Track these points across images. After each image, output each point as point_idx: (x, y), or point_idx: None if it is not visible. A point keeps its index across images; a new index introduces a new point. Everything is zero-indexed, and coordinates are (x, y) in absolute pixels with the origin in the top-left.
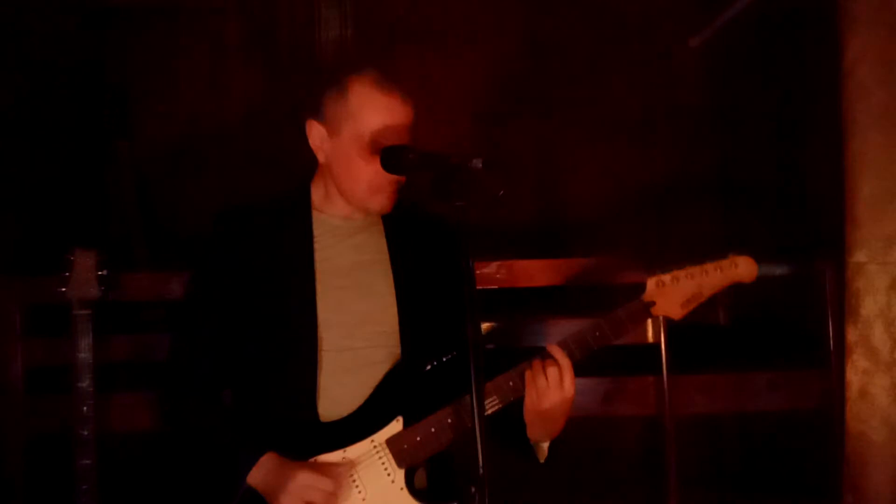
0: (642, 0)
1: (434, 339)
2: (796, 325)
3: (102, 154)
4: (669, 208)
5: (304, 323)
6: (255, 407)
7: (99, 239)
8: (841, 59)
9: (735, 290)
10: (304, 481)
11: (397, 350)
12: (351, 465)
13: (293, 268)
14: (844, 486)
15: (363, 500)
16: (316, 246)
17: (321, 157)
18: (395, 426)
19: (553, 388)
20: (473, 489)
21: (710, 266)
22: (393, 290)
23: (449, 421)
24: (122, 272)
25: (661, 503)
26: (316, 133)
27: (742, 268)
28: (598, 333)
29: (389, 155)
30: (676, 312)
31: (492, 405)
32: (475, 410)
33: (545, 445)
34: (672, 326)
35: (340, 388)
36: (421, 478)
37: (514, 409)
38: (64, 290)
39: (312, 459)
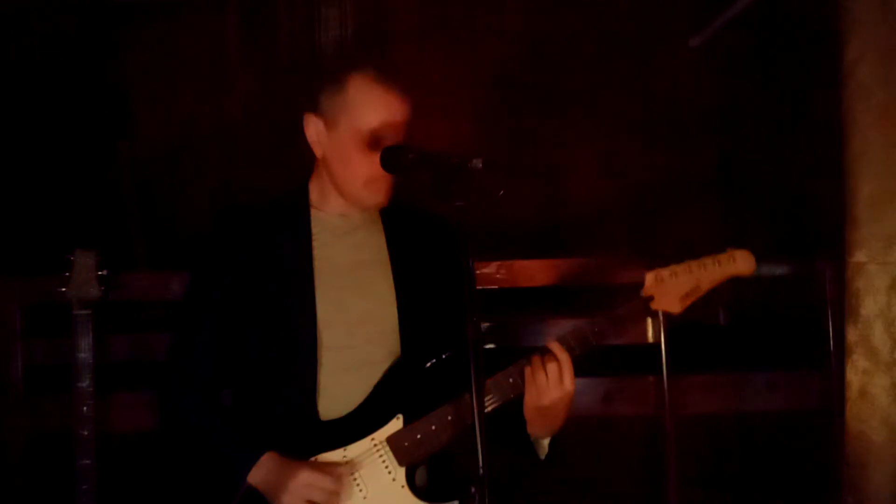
0: (642, 0)
1: (434, 337)
2: (796, 325)
3: (102, 154)
4: (669, 208)
5: (303, 322)
6: (255, 406)
7: (99, 239)
8: (841, 59)
9: (735, 291)
10: (305, 480)
11: (397, 348)
12: (352, 463)
13: (292, 267)
14: (844, 487)
15: (364, 498)
16: (315, 244)
17: (318, 152)
18: (396, 424)
19: (553, 385)
20: (473, 489)
21: (708, 260)
22: (393, 289)
23: (449, 418)
24: (122, 272)
25: (661, 503)
26: (313, 127)
27: (740, 262)
28: (597, 329)
29: (389, 155)
30: (675, 307)
31: (491, 402)
32: (475, 410)
33: (545, 442)
34: (672, 326)
35: (340, 387)
36: (422, 475)
37: (514, 405)
38: (64, 290)
39: (313, 458)
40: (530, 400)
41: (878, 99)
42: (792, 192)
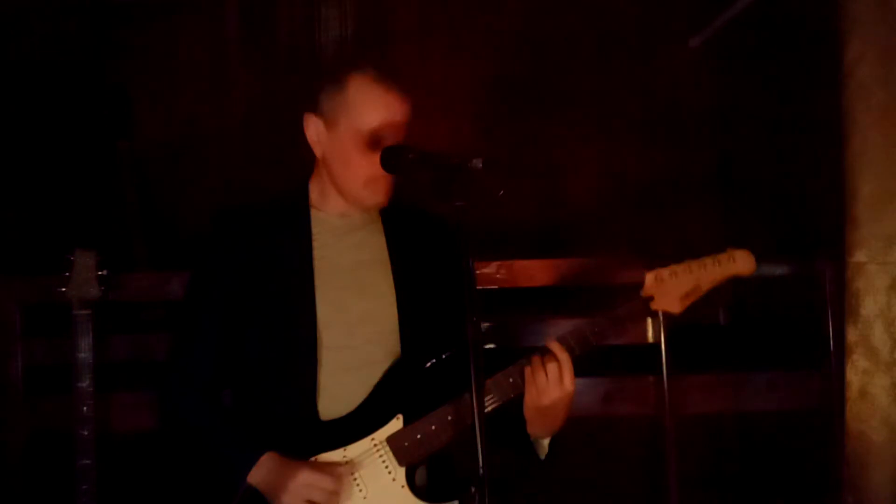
0: (642, 0)
1: (434, 337)
2: (796, 325)
3: (102, 154)
4: (669, 208)
5: (303, 322)
6: (255, 406)
7: (99, 239)
8: (841, 59)
9: (735, 291)
10: (305, 480)
11: (397, 348)
12: (352, 463)
13: (292, 267)
14: (844, 486)
15: (364, 498)
16: (315, 244)
17: (318, 151)
18: (396, 424)
19: (553, 384)
20: (473, 489)
21: (708, 260)
22: (393, 289)
23: (449, 418)
24: (122, 272)
25: (661, 503)
26: (313, 126)
27: (740, 262)
28: (596, 329)
29: (389, 155)
30: (675, 307)
31: (491, 402)
32: (475, 411)
33: (545, 442)
34: (672, 326)
35: (340, 387)
36: (422, 475)
37: (513, 405)
38: (64, 290)
39: (313, 458)
40: (530, 400)
41: (878, 99)
42: (792, 192)
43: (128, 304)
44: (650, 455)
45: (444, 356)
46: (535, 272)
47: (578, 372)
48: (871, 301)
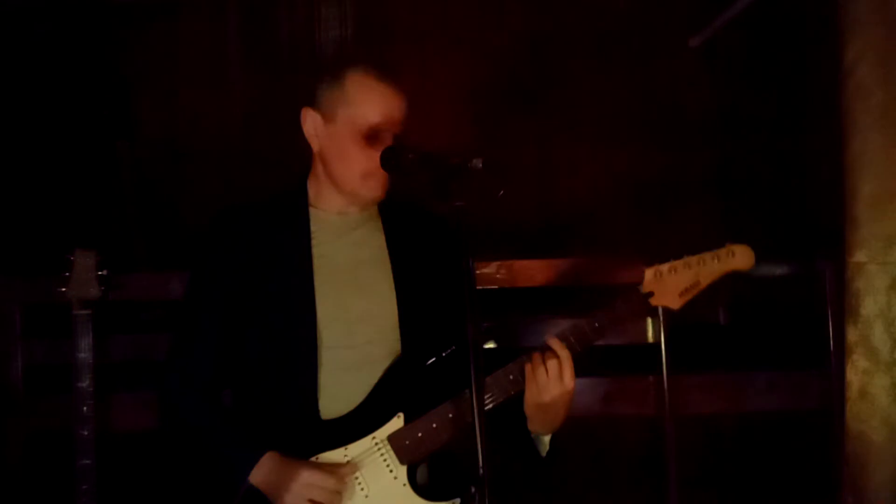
0: (642, 0)
1: (434, 335)
2: (796, 325)
3: (102, 154)
4: (669, 208)
5: (303, 321)
6: (255, 406)
7: (99, 239)
8: (841, 59)
9: (735, 291)
10: (307, 480)
11: (397, 346)
12: (353, 462)
13: (292, 266)
14: (844, 486)
15: (366, 497)
16: (314, 243)
17: (315, 145)
18: (397, 422)
19: (553, 381)
20: (473, 489)
21: (707, 256)
22: (392, 287)
23: (450, 416)
24: (122, 272)
25: (661, 503)
26: (311, 120)
27: (739, 257)
28: (596, 325)
29: (389, 155)
30: (674, 302)
31: (492, 399)
32: (475, 411)
33: (546, 439)
34: (672, 326)
35: (341, 386)
36: (423, 474)
37: (514, 402)
38: (64, 290)
39: (314, 458)
40: (531, 397)
41: (878, 99)
42: (792, 192)
43: (128, 304)
44: (650, 455)
45: (444, 354)
46: (535, 272)
47: (579, 372)
48: (871, 301)
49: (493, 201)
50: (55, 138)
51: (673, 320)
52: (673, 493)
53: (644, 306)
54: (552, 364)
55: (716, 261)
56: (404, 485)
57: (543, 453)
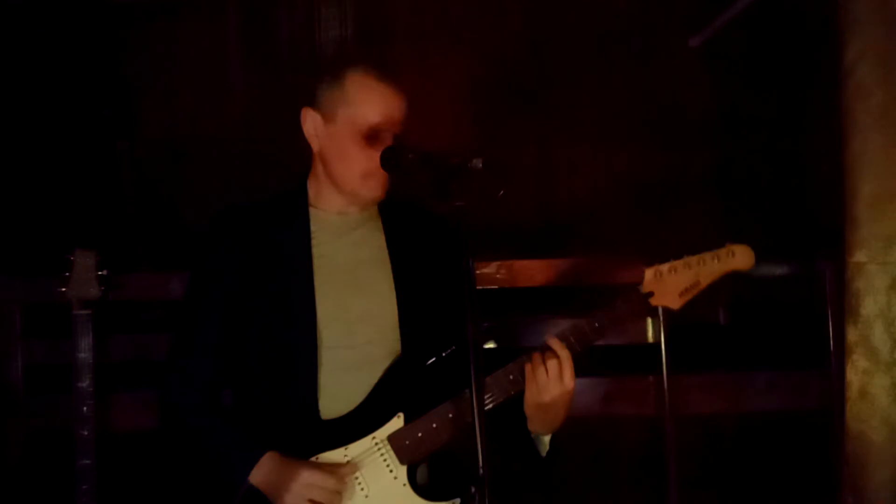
0: (642, 0)
1: (434, 335)
2: (796, 325)
3: (102, 154)
4: (669, 208)
5: (303, 321)
6: (255, 406)
7: (99, 239)
8: (841, 59)
9: (735, 291)
10: (306, 480)
11: (398, 346)
12: (353, 462)
13: (292, 266)
14: (844, 486)
15: (366, 497)
16: (314, 243)
17: (315, 145)
18: (397, 422)
19: (553, 381)
20: (473, 489)
21: (707, 256)
22: (392, 287)
23: (450, 416)
24: (122, 272)
25: (661, 503)
26: (311, 120)
27: (739, 257)
28: (596, 325)
29: (389, 155)
30: (674, 302)
31: (492, 399)
32: (475, 412)
33: (546, 439)
34: (672, 326)
35: (341, 386)
36: (423, 474)
37: (514, 402)
38: (64, 290)
39: (314, 458)
40: (531, 397)
41: (878, 99)
42: (792, 192)
43: (128, 304)
44: (650, 455)
45: (444, 354)
46: (535, 272)
47: (579, 372)
48: (871, 301)
49: (493, 201)
50: (55, 138)
51: (673, 320)
52: (673, 493)
53: (644, 306)
54: (552, 364)
55: (716, 261)
56: (404, 485)
57: (543, 453)
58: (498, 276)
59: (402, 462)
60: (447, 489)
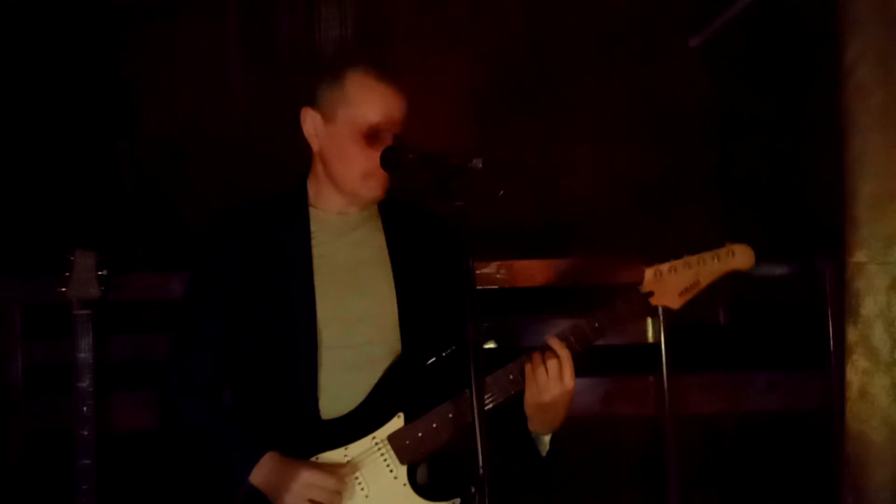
0: (642, 0)
1: (434, 335)
2: (796, 324)
3: (102, 154)
4: (669, 208)
5: (303, 321)
6: (255, 406)
7: (99, 239)
8: (841, 59)
9: (735, 291)
10: (307, 480)
11: (398, 346)
12: (353, 462)
13: (292, 266)
14: (844, 486)
15: (366, 497)
16: (314, 243)
17: (315, 145)
18: (397, 422)
19: (553, 381)
20: (473, 489)
21: (707, 255)
22: (393, 287)
23: (450, 416)
24: (122, 272)
25: (661, 503)
26: (311, 120)
27: (739, 256)
28: (596, 324)
29: (389, 155)
30: (674, 302)
31: (492, 399)
32: (475, 412)
33: (546, 439)
34: (672, 326)
35: (341, 386)
36: (423, 473)
37: (514, 402)
38: (64, 290)
39: (314, 457)
40: (531, 396)
41: (878, 99)
42: (792, 192)
43: (128, 304)
44: (650, 455)
45: (444, 354)
46: (535, 272)
47: (579, 372)
48: (871, 301)
49: (493, 201)
50: (55, 138)
51: (673, 320)
52: (673, 493)
53: (644, 306)
54: (552, 364)
55: (716, 260)
56: (404, 485)
57: (543, 453)
58: (498, 276)
59: (402, 462)
60: (447, 489)
